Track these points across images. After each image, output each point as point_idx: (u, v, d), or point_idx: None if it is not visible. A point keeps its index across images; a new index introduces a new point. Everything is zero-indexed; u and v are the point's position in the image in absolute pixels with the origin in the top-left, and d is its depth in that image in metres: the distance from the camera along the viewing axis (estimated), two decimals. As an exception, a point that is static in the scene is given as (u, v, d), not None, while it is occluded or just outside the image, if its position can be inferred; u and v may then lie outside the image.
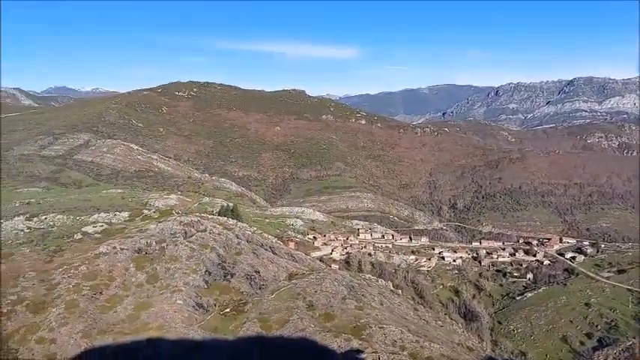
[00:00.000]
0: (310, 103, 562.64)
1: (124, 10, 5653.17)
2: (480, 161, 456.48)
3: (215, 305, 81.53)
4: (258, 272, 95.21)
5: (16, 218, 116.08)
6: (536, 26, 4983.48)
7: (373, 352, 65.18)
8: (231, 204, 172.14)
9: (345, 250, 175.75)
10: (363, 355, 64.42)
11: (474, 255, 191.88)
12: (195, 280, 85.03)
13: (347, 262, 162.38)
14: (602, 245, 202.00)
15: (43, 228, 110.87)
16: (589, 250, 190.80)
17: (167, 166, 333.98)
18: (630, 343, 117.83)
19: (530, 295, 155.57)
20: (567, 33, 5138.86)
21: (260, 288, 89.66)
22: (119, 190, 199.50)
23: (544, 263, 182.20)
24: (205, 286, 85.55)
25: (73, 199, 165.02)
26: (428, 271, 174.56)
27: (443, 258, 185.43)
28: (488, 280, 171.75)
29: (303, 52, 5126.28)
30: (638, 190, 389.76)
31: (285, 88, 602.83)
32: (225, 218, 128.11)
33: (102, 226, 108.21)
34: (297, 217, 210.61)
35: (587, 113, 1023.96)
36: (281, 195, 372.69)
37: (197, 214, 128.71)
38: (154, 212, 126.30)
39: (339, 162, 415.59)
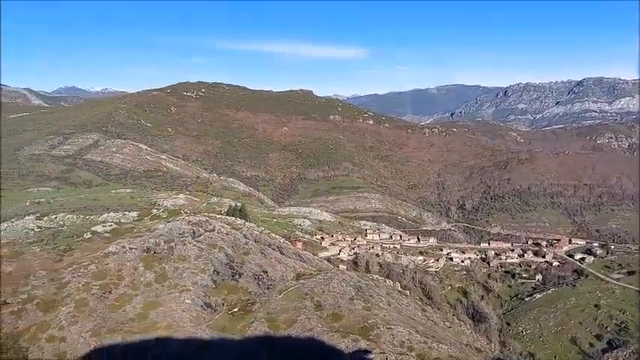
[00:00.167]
0: (318, 103, 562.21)
1: (133, 11, 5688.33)
2: (488, 162, 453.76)
3: (223, 305, 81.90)
4: (266, 272, 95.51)
5: (26, 217, 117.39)
6: (546, 26, 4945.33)
7: (381, 353, 65.17)
8: (239, 204, 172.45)
9: (352, 250, 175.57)
10: (371, 356, 64.42)
11: (483, 256, 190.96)
12: (203, 279, 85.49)
13: (354, 263, 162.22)
14: (612, 246, 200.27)
15: (53, 227, 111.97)
16: (599, 252, 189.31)
17: (175, 166, 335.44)
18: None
19: (539, 296, 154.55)
20: (577, 33, 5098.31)
21: (268, 288, 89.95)
22: (128, 190, 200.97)
23: (553, 264, 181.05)
24: (213, 286, 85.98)
25: (83, 199, 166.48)
26: (436, 271, 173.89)
27: (451, 259, 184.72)
28: (496, 281, 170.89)
29: (311, 53, 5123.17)
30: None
31: (293, 89, 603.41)
32: (234, 218, 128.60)
33: (111, 225, 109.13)
34: (305, 218, 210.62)
35: (596, 114, 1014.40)
36: (289, 195, 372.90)
37: (205, 213, 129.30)
38: (163, 212, 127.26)
39: (347, 162, 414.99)
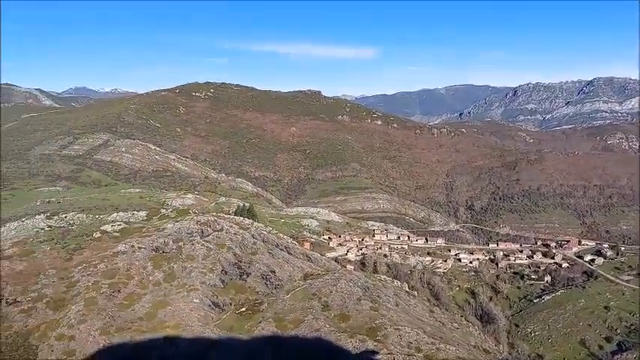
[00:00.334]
0: (326, 103, 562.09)
1: (141, 12, 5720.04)
2: (497, 162, 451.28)
3: (231, 304, 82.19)
4: (274, 272, 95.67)
5: (37, 216, 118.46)
6: (557, 26, 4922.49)
7: (388, 354, 65.09)
8: (247, 204, 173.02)
9: (360, 251, 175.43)
10: (378, 357, 64.35)
11: (491, 257, 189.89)
12: (211, 279, 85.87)
13: (362, 263, 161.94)
14: (622, 248, 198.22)
15: (63, 226, 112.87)
16: (608, 253, 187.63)
17: (184, 166, 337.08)
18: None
19: (548, 297, 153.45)
20: (588, 33, 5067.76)
21: (275, 288, 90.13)
22: (137, 190, 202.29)
23: (562, 266, 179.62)
24: (221, 286, 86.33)
25: (93, 199, 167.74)
26: (444, 272, 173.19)
27: (459, 260, 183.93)
28: (505, 282, 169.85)
29: (319, 53, 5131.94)
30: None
31: (301, 89, 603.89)
32: (242, 218, 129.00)
33: (120, 225, 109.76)
34: (313, 218, 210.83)
35: (607, 114, 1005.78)
36: (296, 195, 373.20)
37: (214, 213, 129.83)
38: (171, 212, 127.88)
39: (355, 163, 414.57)
